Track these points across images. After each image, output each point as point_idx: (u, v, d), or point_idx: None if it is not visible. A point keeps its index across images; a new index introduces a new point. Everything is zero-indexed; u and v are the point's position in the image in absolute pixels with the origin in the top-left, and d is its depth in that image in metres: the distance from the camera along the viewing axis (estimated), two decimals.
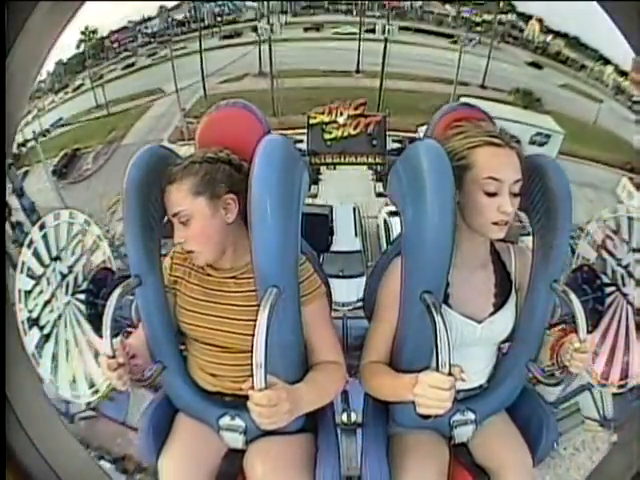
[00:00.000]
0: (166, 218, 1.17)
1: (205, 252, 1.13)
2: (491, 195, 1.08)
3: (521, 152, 1.11)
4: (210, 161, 1.13)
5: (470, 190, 1.10)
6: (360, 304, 1.37)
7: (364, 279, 1.38)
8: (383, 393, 1.16)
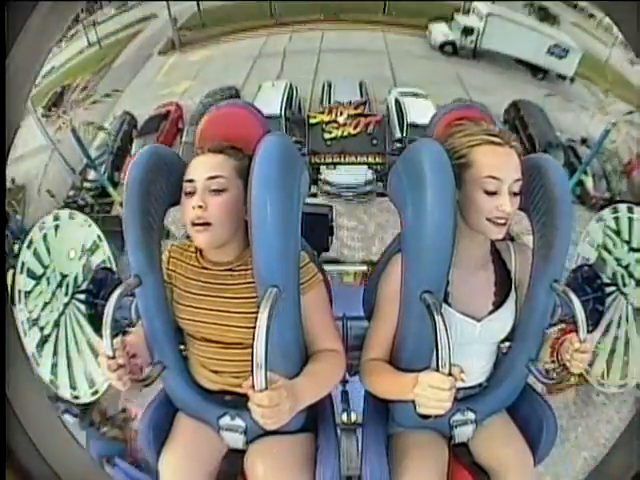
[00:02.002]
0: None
1: (218, 231, 1.10)
2: (491, 194, 1.08)
3: (521, 151, 1.11)
4: (248, 158, 1.11)
5: (470, 189, 1.10)
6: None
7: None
8: (383, 391, 1.16)
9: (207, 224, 1.09)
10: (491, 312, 1.18)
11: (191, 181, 1.12)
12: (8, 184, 2.49)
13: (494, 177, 1.07)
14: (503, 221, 1.08)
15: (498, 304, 1.19)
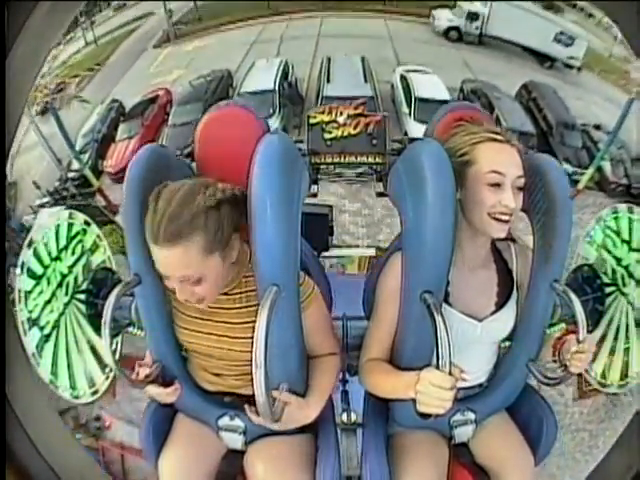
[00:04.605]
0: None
1: (213, 297, 1.08)
2: (494, 187, 1.07)
3: (522, 150, 1.12)
4: (215, 207, 1.00)
5: (473, 185, 1.09)
6: None
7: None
8: (383, 390, 1.15)
9: (201, 300, 1.06)
10: (493, 312, 1.18)
11: (165, 275, 1.03)
12: None
13: (498, 172, 1.07)
14: (506, 217, 1.07)
15: (500, 304, 1.19)
